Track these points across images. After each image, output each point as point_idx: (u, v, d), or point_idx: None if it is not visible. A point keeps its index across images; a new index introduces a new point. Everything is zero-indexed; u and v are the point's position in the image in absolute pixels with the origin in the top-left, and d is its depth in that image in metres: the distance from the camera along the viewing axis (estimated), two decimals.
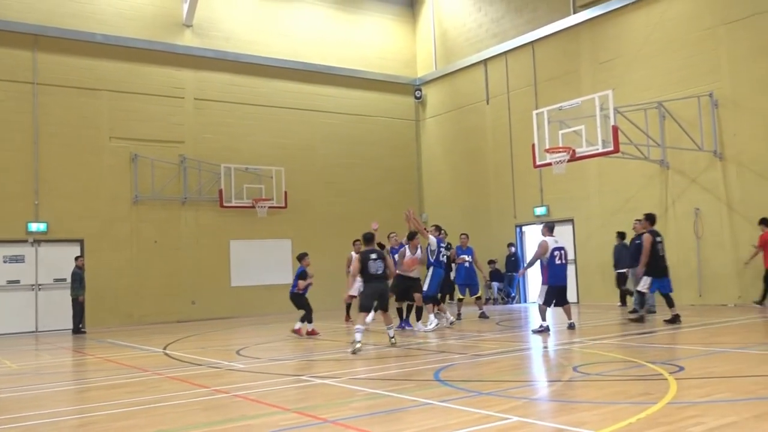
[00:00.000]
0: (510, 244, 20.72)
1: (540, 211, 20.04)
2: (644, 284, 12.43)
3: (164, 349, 12.24)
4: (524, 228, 21.03)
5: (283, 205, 21.14)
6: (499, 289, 20.83)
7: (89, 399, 7.79)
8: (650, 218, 12.91)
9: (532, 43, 20.43)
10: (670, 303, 12.36)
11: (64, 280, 17.62)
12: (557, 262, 11.97)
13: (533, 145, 15.65)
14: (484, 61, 22.03)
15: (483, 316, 15.22)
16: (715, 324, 12.12)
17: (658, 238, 12.54)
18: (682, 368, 7.41)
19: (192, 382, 8.20)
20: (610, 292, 17.69)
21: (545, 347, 10.32)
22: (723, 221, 15.84)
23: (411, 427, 5.41)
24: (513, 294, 20.80)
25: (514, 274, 20.49)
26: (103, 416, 6.60)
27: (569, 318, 12.09)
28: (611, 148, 14.37)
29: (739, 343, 9.57)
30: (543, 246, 12.00)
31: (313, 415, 5.98)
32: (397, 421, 5.70)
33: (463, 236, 15.56)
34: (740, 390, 6.28)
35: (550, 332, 11.74)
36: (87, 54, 19.03)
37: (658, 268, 12.39)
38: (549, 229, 12.38)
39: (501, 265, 20.85)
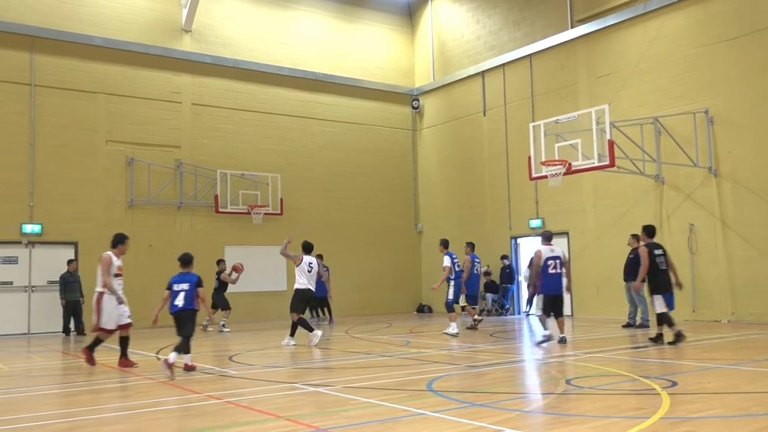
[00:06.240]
0: (503, 257, 20.72)
1: (535, 223, 20.06)
2: (658, 305, 11.49)
3: (156, 353, 12.20)
4: (519, 240, 21.03)
5: (278, 212, 21.12)
6: (494, 301, 20.82)
7: (79, 403, 7.74)
8: (647, 230, 12.02)
9: (529, 56, 20.51)
10: (661, 321, 11.53)
11: (57, 282, 17.53)
12: (550, 271, 12.13)
13: (529, 158, 15.69)
14: (482, 73, 22.10)
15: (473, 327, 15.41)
16: (709, 340, 12.14)
17: (658, 251, 11.62)
18: (675, 383, 7.42)
19: (184, 388, 8.16)
20: (605, 305, 17.80)
21: (539, 360, 10.31)
22: (717, 237, 15.89)
23: None
24: (507, 305, 20.78)
25: (509, 285, 20.58)
26: (92, 420, 6.57)
27: (561, 332, 12.07)
28: (607, 162, 14.39)
29: (732, 359, 9.59)
30: (537, 255, 12.27)
31: (305, 423, 5.96)
32: (390, 430, 5.69)
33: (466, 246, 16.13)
34: (733, 406, 6.29)
35: (547, 344, 11.78)
36: (85, 57, 19.02)
37: (660, 283, 11.47)
38: (545, 238, 12.61)
39: (495, 276, 20.86)
